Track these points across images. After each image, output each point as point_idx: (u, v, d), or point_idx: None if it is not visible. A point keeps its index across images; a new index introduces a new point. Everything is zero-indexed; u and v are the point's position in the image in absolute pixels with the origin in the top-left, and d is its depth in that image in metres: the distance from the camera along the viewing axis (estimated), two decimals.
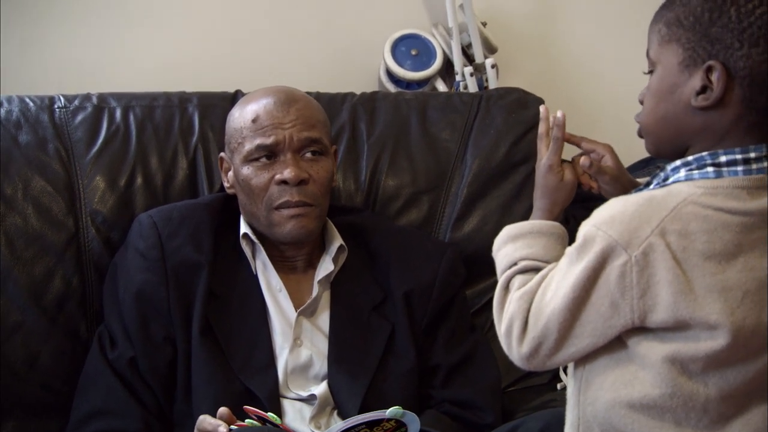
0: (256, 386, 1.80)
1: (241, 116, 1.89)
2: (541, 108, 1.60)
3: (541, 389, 2.07)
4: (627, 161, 2.62)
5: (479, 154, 2.24)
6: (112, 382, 1.83)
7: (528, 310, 1.33)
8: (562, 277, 1.31)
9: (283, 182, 1.84)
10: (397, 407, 1.64)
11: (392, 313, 1.92)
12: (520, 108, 2.30)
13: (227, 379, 1.80)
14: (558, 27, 2.74)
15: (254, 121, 1.86)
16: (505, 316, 1.36)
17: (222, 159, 1.95)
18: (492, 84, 2.52)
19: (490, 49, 2.57)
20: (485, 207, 2.22)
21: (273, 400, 1.80)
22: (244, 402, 1.73)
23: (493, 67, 2.53)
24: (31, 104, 2.12)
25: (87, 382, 1.88)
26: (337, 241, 1.92)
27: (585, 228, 1.31)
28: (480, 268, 2.16)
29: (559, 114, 1.55)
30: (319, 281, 1.90)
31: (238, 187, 1.90)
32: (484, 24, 2.57)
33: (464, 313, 2.04)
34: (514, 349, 1.35)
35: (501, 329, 1.37)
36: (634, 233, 1.27)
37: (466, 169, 2.23)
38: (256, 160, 1.85)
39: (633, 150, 2.61)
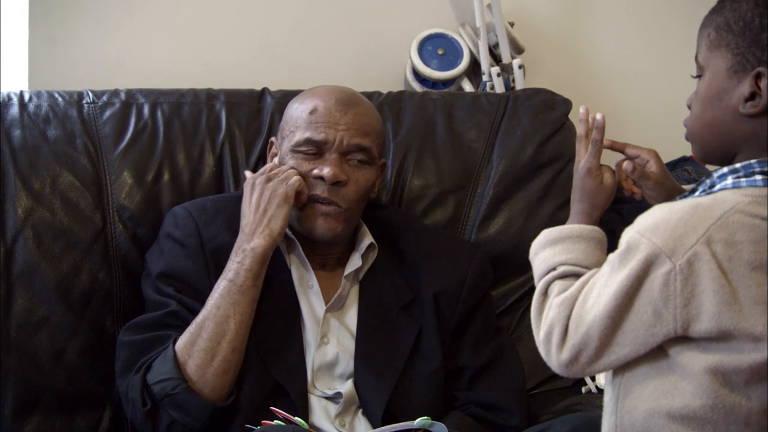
0: (287, 383, 1.80)
1: (300, 107, 1.89)
2: (581, 109, 1.57)
3: (566, 392, 2.06)
4: None
5: (506, 155, 2.23)
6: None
7: (569, 317, 1.32)
8: (604, 284, 1.30)
9: (320, 178, 1.84)
10: (425, 418, 1.64)
11: (420, 313, 1.91)
12: (547, 109, 2.29)
13: (260, 373, 1.80)
14: (585, 28, 2.73)
15: (311, 113, 1.86)
16: (544, 322, 1.35)
17: (272, 143, 1.96)
18: (519, 84, 2.52)
19: (517, 49, 2.57)
20: (511, 208, 2.21)
21: (302, 397, 1.80)
22: (275, 396, 1.75)
23: (520, 67, 2.52)
24: (60, 99, 2.13)
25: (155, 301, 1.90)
26: (368, 239, 1.92)
27: (629, 234, 1.30)
28: (505, 269, 2.17)
29: (599, 116, 1.53)
30: (346, 276, 1.90)
31: None
32: (512, 24, 2.57)
33: (491, 315, 2.04)
34: (554, 355, 1.33)
35: (540, 335, 1.35)
36: (679, 241, 1.25)
37: (492, 169, 2.22)
38: (303, 152, 1.86)
39: (660, 152, 2.60)
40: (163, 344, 1.80)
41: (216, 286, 1.79)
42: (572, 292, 1.34)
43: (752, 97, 1.30)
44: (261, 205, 1.80)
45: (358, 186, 1.87)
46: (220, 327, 1.75)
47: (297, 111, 1.89)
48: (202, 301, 1.82)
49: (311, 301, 1.89)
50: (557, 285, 1.37)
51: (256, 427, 1.69)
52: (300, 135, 1.86)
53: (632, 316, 1.28)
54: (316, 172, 1.84)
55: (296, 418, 1.68)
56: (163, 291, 1.88)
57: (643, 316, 1.27)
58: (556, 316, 1.33)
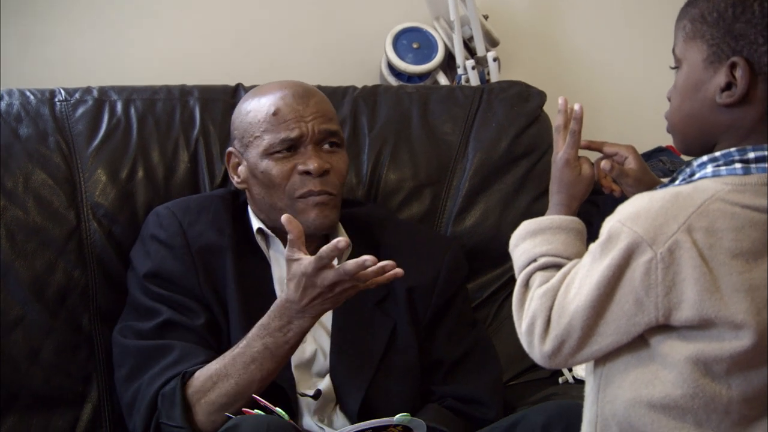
0: (280, 380, 1.79)
1: (257, 110, 1.87)
2: (560, 100, 1.57)
3: (543, 383, 2.07)
4: None
5: (481, 147, 2.23)
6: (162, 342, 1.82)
7: (551, 308, 1.32)
8: (586, 274, 1.30)
9: (306, 173, 1.84)
10: (404, 414, 1.64)
11: (395, 308, 1.91)
12: (522, 101, 2.30)
13: None
14: (560, 20, 2.73)
15: (275, 114, 1.85)
16: (526, 314, 1.34)
17: (230, 154, 1.93)
18: (494, 77, 2.52)
19: (491, 42, 2.57)
20: (487, 200, 2.21)
21: (292, 391, 1.81)
22: (271, 392, 1.73)
23: (494, 60, 2.52)
24: (32, 97, 2.12)
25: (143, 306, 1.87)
26: (342, 235, 1.91)
27: (609, 224, 1.29)
28: (481, 261, 2.17)
29: (576, 107, 1.53)
30: None
31: (254, 180, 1.88)
32: (486, 17, 2.57)
33: (466, 308, 2.04)
34: (536, 347, 1.33)
35: (522, 327, 1.35)
36: (660, 230, 1.25)
37: (468, 162, 2.23)
38: (277, 152, 1.85)
39: (635, 143, 2.58)
40: (166, 355, 1.77)
41: (249, 343, 1.71)
42: (554, 283, 1.33)
43: (728, 87, 1.30)
44: (314, 303, 1.68)
45: (340, 170, 1.88)
46: (241, 387, 1.70)
47: (255, 115, 1.87)
48: (192, 300, 1.82)
49: None
50: (538, 276, 1.36)
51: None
52: (271, 138, 1.84)
53: (614, 306, 1.28)
54: (301, 167, 1.84)
55: (277, 408, 1.68)
56: (152, 292, 1.85)
57: (624, 305, 1.27)
58: (538, 307, 1.33)
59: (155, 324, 1.82)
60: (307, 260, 1.64)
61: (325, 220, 1.86)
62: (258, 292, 1.87)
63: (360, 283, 1.64)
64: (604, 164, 1.54)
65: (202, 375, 1.73)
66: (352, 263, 1.61)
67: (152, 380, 1.76)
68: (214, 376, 1.71)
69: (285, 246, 1.87)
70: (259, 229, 1.90)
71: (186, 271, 1.85)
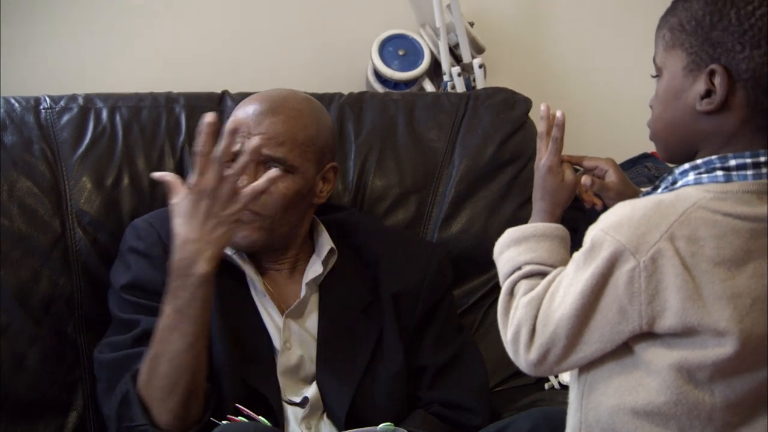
0: (264, 389, 1.79)
1: (229, 119, 1.86)
2: (542, 106, 1.58)
3: (529, 389, 2.07)
4: (615, 160, 2.64)
5: (467, 154, 2.24)
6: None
7: (536, 317, 1.32)
8: (570, 283, 1.30)
9: None
10: (388, 423, 1.64)
11: (380, 314, 1.91)
12: (508, 108, 2.30)
13: (235, 385, 1.78)
14: (545, 27, 2.74)
15: (232, 122, 1.80)
16: (511, 323, 1.34)
17: None
18: (479, 84, 2.53)
19: (477, 49, 2.57)
20: (473, 207, 2.22)
21: (276, 402, 1.79)
22: (254, 403, 1.72)
23: (480, 67, 2.53)
24: (17, 105, 2.11)
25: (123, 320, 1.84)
26: (328, 244, 1.91)
27: (592, 233, 1.30)
28: (467, 268, 2.17)
29: (558, 114, 1.54)
30: (307, 283, 1.89)
31: None
32: (472, 24, 2.58)
33: (451, 314, 2.03)
34: (522, 356, 1.33)
35: (507, 336, 1.35)
36: (642, 238, 1.26)
37: (454, 169, 2.23)
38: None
39: (620, 149, 2.63)
40: (137, 362, 1.72)
41: (163, 314, 1.66)
42: (538, 291, 1.34)
43: (708, 94, 1.30)
44: (209, 222, 1.61)
45: (277, 194, 1.81)
46: (175, 362, 1.65)
47: (225, 125, 1.82)
48: None
49: (268, 309, 1.88)
50: (523, 284, 1.36)
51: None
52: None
53: (598, 315, 1.28)
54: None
55: (260, 417, 1.68)
56: (129, 303, 1.84)
57: (608, 313, 1.28)
58: (523, 316, 1.33)
59: (132, 335, 1.80)
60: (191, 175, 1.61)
61: (245, 239, 1.82)
62: (237, 304, 1.85)
63: (234, 174, 1.59)
64: (585, 179, 1.55)
65: (142, 367, 1.69)
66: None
67: (121, 388, 1.74)
68: (149, 363, 1.67)
69: (262, 263, 1.88)
70: None
71: (165, 280, 1.82)
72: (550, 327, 1.31)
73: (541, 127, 1.57)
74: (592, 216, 1.35)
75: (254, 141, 1.72)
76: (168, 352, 1.65)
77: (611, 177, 1.58)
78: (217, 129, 1.60)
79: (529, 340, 1.32)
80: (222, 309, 1.81)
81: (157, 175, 1.69)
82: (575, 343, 1.30)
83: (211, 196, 1.60)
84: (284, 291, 1.90)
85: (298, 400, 1.83)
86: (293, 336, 1.87)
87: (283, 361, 1.84)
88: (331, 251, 1.91)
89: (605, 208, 1.57)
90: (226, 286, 1.84)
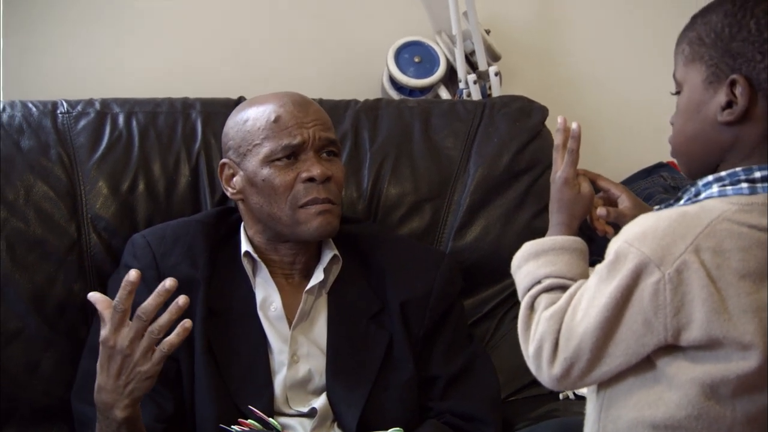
0: (251, 404, 1.75)
1: (256, 118, 1.85)
2: (559, 119, 1.56)
3: (543, 399, 2.06)
4: (630, 170, 2.65)
5: (482, 162, 2.23)
6: None
7: (558, 331, 1.31)
8: (593, 296, 1.29)
9: (310, 180, 1.82)
10: (397, 429, 1.63)
11: (389, 322, 1.90)
12: (524, 116, 2.29)
13: (226, 400, 1.79)
14: (561, 35, 2.74)
15: (276, 121, 1.83)
16: (533, 338, 1.33)
17: (223, 165, 1.90)
18: (495, 92, 2.52)
19: (493, 56, 2.57)
20: (488, 216, 2.21)
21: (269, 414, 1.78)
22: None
23: (496, 74, 2.53)
24: (34, 109, 2.12)
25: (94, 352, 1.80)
26: (331, 251, 1.90)
27: (616, 244, 1.29)
28: (482, 277, 2.17)
29: (574, 125, 1.53)
30: (308, 291, 1.87)
31: (252, 190, 1.85)
32: (488, 32, 2.57)
33: (461, 323, 2.02)
34: (545, 370, 1.32)
35: (529, 350, 1.34)
36: (667, 250, 1.25)
37: (469, 177, 2.22)
38: (278, 160, 1.83)
39: (636, 158, 2.63)
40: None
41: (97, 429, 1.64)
42: (561, 305, 1.33)
43: (729, 105, 1.30)
44: (121, 378, 1.58)
45: (339, 179, 1.87)
46: None
47: (253, 123, 1.85)
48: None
49: (274, 323, 1.87)
50: (544, 298, 1.35)
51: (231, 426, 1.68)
52: (273, 145, 1.82)
53: (623, 327, 1.27)
54: (304, 174, 1.82)
55: (270, 419, 1.67)
56: None
57: (633, 326, 1.27)
58: (545, 330, 1.32)
59: None
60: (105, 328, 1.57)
61: (328, 227, 1.84)
62: (239, 318, 1.86)
63: (153, 334, 1.54)
64: (601, 210, 1.54)
65: None
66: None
67: None
68: None
69: (270, 272, 1.88)
70: (246, 253, 1.88)
71: None
72: (573, 341, 1.30)
73: (557, 139, 1.55)
74: (603, 246, 1.35)
75: (316, 128, 1.82)
76: None
77: (625, 203, 1.57)
78: (137, 286, 1.56)
79: (552, 354, 1.31)
80: (212, 329, 1.81)
81: (91, 296, 1.63)
82: (600, 356, 1.29)
83: (124, 354, 1.57)
84: (291, 301, 1.89)
85: (305, 410, 1.83)
86: (301, 348, 1.87)
87: (290, 375, 1.84)
88: (334, 258, 1.90)
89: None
90: (234, 301, 1.84)
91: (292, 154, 1.83)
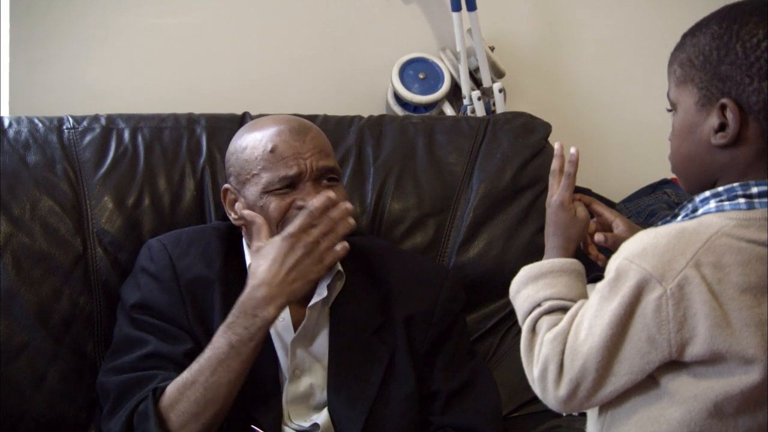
0: (260, 415, 1.79)
1: (253, 147, 1.85)
2: (556, 145, 1.57)
3: (545, 415, 2.04)
4: (634, 186, 2.65)
5: (485, 178, 2.24)
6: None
7: (562, 352, 1.31)
8: (596, 314, 1.30)
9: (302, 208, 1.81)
10: None
11: (392, 337, 1.90)
12: (527, 133, 2.30)
13: (236, 405, 1.78)
14: (565, 52, 2.75)
15: (272, 151, 1.83)
16: (537, 360, 1.33)
17: (226, 191, 1.91)
18: (499, 108, 2.53)
19: (497, 73, 2.58)
20: (491, 231, 2.22)
21: (276, 429, 1.80)
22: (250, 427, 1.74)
23: (500, 91, 2.54)
24: (40, 125, 2.13)
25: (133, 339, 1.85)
26: (334, 268, 1.90)
27: (616, 262, 1.29)
28: (485, 292, 2.17)
29: (573, 150, 1.53)
30: (311, 307, 1.87)
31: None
32: (492, 48, 2.58)
33: (463, 338, 2.02)
34: (550, 392, 1.32)
35: (534, 373, 1.34)
36: (668, 266, 1.26)
37: (472, 193, 2.23)
38: (277, 190, 1.83)
39: (639, 175, 2.63)
40: (147, 384, 1.74)
41: (214, 344, 1.69)
42: (563, 326, 1.33)
43: (722, 128, 1.31)
44: (293, 272, 1.67)
45: None
46: (210, 393, 1.68)
47: (253, 152, 1.85)
48: (179, 329, 1.81)
49: (281, 334, 1.88)
50: (545, 321, 1.35)
51: None
52: (270, 175, 1.82)
53: (627, 345, 1.28)
54: (299, 203, 1.82)
55: None
56: (139, 322, 1.85)
57: (638, 343, 1.27)
58: (549, 352, 1.32)
59: (139, 354, 1.81)
60: (281, 234, 1.69)
61: (344, 251, 1.80)
62: None
63: (333, 238, 1.69)
64: (599, 237, 1.55)
65: (172, 387, 1.71)
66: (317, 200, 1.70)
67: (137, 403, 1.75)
68: (182, 386, 1.70)
69: None
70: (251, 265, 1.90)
71: (174, 303, 1.84)
72: (578, 361, 1.30)
73: (554, 164, 1.56)
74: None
75: (313, 158, 1.84)
76: (207, 382, 1.68)
77: (619, 227, 1.58)
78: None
79: (557, 376, 1.31)
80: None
81: (247, 213, 1.77)
82: (605, 375, 1.29)
83: (305, 250, 1.67)
84: (296, 315, 1.89)
85: (307, 425, 1.83)
86: (302, 363, 1.87)
87: (291, 390, 1.85)
88: (337, 274, 1.90)
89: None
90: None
91: (290, 185, 1.83)
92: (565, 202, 1.52)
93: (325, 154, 1.87)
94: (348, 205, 1.72)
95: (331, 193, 1.70)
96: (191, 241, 1.92)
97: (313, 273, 1.68)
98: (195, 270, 1.86)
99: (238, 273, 1.89)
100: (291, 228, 1.68)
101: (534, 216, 2.22)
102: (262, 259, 1.68)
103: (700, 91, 1.32)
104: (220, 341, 1.69)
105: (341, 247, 1.70)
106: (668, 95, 1.38)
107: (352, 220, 1.71)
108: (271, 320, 1.67)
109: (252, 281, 1.68)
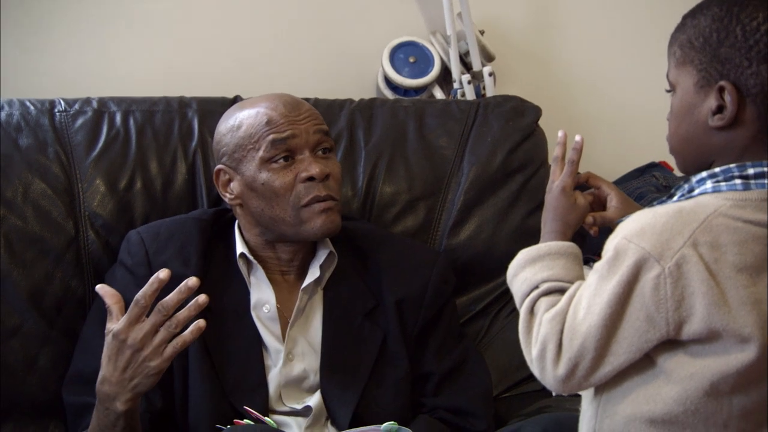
0: (246, 405, 1.78)
1: (248, 123, 1.85)
2: (560, 133, 1.57)
3: (536, 395, 2.06)
4: (622, 170, 2.66)
5: (476, 161, 2.24)
6: None
7: (561, 331, 1.32)
8: (594, 293, 1.30)
9: (310, 179, 1.82)
10: (392, 422, 1.65)
11: (384, 320, 1.91)
12: (517, 116, 2.31)
13: (221, 399, 1.80)
14: (555, 36, 2.75)
15: (268, 123, 1.83)
16: (536, 341, 1.34)
17: (219, 172, 1.89)
18: (489, 92, 2.54)
19: (487, 57, 2.59)
20: (481, 214, 2.22)
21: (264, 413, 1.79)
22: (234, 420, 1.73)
23: (490, 75, 2.55)
24: (32, 108, 2.13)
25: (88, 345, 1.84)
26: (326, 249, 1.90)
27: (615, 241, 1.30)
28: (476, 275, 2.18)
29: (577, 138, 1.54)
30: (304, 289, 1.88)
31: (252, 194, 1.85)
32: (482, 32, 2.59)
33: (454, 320, 2.03)
34: (549, 372, 1.33)
35: (533, 354, 1.34)
36: (666, 245, 1.27)
37: (463, 176, 2.24)
38: (274, 161, 1.82)
39: (628, 158, 2.65)
40: (88, 417, 1.72)
41: (95, 413, 1.66)
42: (561, 306, 1.33)
43: (719, 110, 1.32)
44: (128, 371, 1.60)
45: (337, 175, 1.87)
46: None
47: (246, 129, 1.84)
48: None
49: (267, 323, 1.88)
50: (543, 302, 1.36)
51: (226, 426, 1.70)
52: (267, 145, 1.81)
53: (626, 324, 1.29)
54: (304, 174, 1.81)
55: (266, 418, 1.69)
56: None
57: (636, 322, 1.28)
58: (548, 332, 1.32)
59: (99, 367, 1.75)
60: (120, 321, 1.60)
61: (332, 224, 1.84)
62: (233, 318, 1.86)
63: (171, 328, 1.58)
64: (588, 219, 1.55)
65: None
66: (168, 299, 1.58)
67: None
68: None
69: (266, 272, 1.88)
70: (242, 254, 1.88)
71: None
72: (577, 340, 1.30)
73: (556, 151, 1.56)
74: (595, 245, 1.36)
75: (309, 124, 1.83)
76: None
77: (613, 201, 1.58)
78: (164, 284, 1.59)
79: (556, 355, 1.32)
80: (219, 326, 1.82)
81: (99, 287, 1.67)
82: (603, 354, 1.30)
83: (135, 348, 1.59)
84: (287, 298, 1.90)
85: (300, 407, 1.84)
86: (296, 346, 1.88)
87: (285, 372, 1.85)
88: (329, 255, 1.91)
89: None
90: (228, 301, 1.86)
91: (288, 155, 1.83)
92: (566, 188, 1.53)
93: (320, 122, 1.87)
94: (202, 299, 1.59)
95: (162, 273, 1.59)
96: (170, 234, 1.90)
97: (150, 369, 1.59)
98: (170, 267, 1.78)
99: (222, 265, 1.89)
100: (117, 325, 1.59)
101: (524, 199, 2.24)
102: (104, 353, 1.62)
103: (699, 72, 1.33)
104: (94, 419, 1.68)
105: (190, 331, 1.59)
106: (668, 76, 1.39)
107: (202, 322, 1.59)
108: (124, 412, 1.63)
109: (99, 375, 1.64)
